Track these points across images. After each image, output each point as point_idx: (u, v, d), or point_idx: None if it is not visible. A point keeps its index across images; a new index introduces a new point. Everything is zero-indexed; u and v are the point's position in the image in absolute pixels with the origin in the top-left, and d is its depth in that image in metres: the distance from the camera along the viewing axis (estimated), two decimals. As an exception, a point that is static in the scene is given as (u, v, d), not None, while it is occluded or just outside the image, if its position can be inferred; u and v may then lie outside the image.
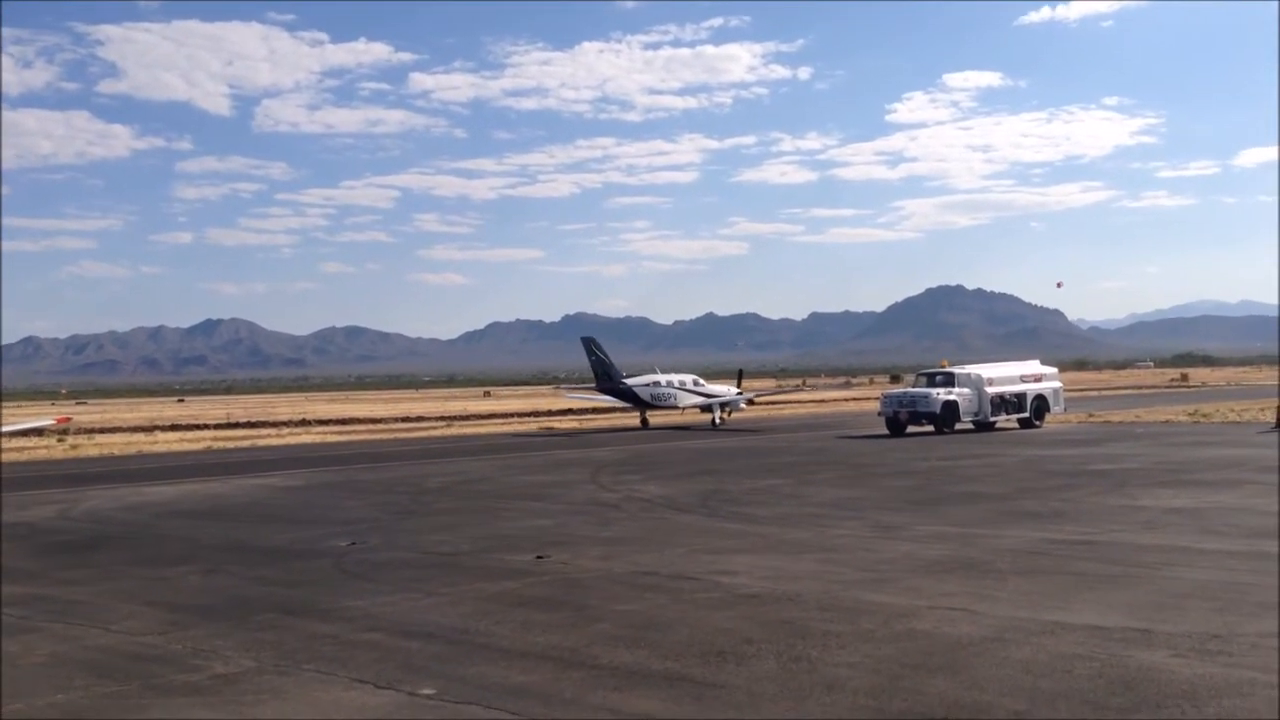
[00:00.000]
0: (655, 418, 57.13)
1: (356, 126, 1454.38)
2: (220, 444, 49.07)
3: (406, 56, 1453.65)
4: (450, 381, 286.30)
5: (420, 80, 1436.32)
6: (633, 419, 57.82)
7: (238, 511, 23.15)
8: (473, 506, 22.65)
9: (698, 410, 56.23)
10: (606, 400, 58.01)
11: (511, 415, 72.77)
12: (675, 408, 56.14)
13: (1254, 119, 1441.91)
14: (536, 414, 73.36)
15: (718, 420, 54.43)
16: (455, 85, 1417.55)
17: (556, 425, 61.46)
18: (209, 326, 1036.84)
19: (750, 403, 60.78)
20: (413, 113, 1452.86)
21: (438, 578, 14.37)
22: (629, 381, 56.33)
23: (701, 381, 58.02)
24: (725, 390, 57.58)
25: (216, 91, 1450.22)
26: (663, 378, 56.60)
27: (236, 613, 12.48)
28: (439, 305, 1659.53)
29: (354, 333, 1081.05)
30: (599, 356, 56.10)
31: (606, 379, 56.47)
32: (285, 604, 12.92)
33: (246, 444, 48.93)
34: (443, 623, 11.59)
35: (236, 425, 66.66)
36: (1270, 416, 42.29)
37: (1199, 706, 7.99)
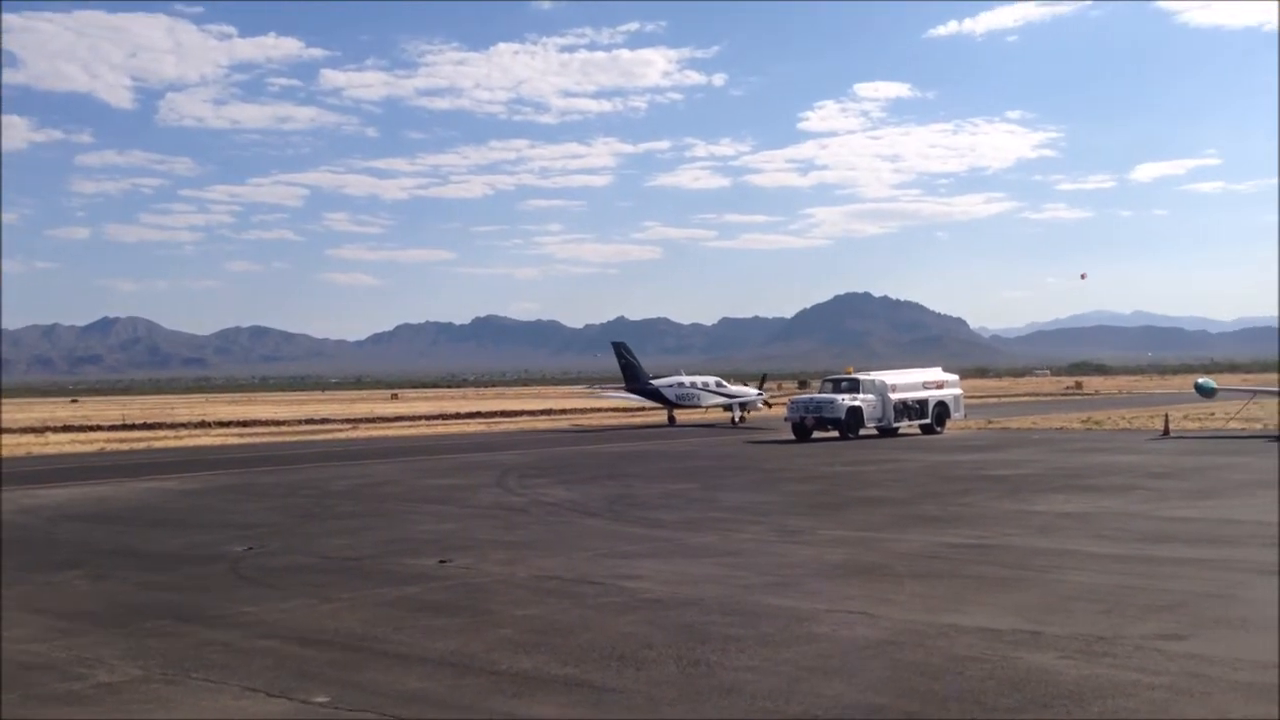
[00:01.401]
0: (681, 416, 60.67)
1: (265, 123, 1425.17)
2: (115, 446, 47.74)
3: (318, 53, 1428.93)
4: (358, 383, 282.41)
5: (332, 77, 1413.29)
6: (659, 416, 61.76)
7: (131, 515, 22.54)
8: (377, 510, 22.36)
9: (720, 409, 60.02)
10: (636, 400, 61.90)
11: (420, 418, 72.04)
12: (698, 407, 60.17)
13: (1149, 135, 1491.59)
14: (445, 416, 72.77)
15: (737, 419, 57.55)
16: (368, 83, 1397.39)
17: (585, 422, 64.09)
18: (105, 325, 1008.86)
19: (767, 404, 64.43)
20: (323, 110, 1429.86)
21: (337, 583, 14.14)
22: (656, 382, 60.51)
23: (724, 383, 61.98)
24: (745, 391, 61.43)
25: (119, 84, 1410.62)
26: (687, 379, 60.80)
27: (125, 620, 12.14)
28: (347, 306, 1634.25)
29: (258, 333, 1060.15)
30: (628, 360, 60.11)
31: (635, 380, 60.57)
32: (176, 611, 12.59)
33: (142, 446, 47.67)
34: (340, 629, 11.41)
35: (132, 427, 64.89)
36: (1158, 424, 43.70)
37: (1083, 706, 8.20)
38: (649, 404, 61.71)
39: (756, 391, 62.16)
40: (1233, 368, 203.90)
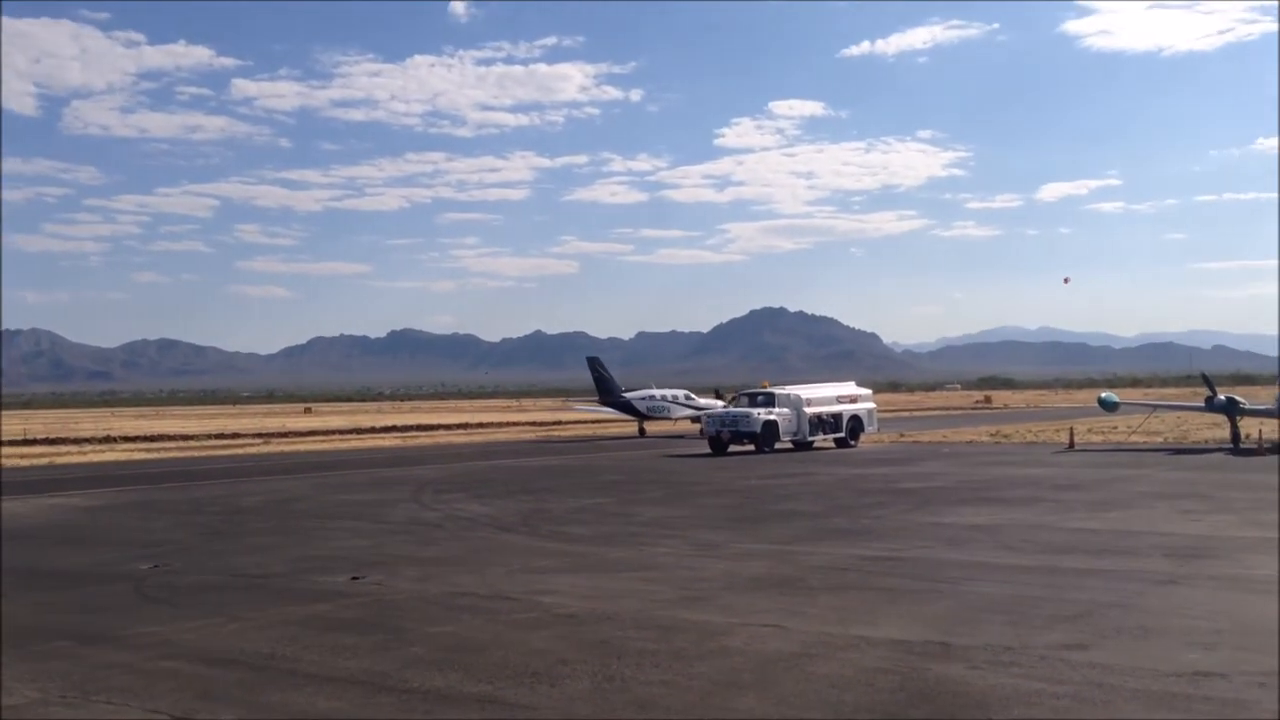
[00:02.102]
0: (651, 427, 63.17)
1: (174, 132, 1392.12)
2: (15, 462, 46.23)
3: (229, 62, 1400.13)
4: (270, 397, 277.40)
5: (243, 87, 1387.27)
6: (631, 427, 64.16)
7: (32, 533, 21.86)
8: (288, 527, 21.97)
9: (688, 421, 61.93)
10: (609, 412, 64.63)
11: (334, 432, 70.98)
12: (668, 418, 62.60)
13: (1054, 155, 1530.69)
14: (360, 431, 71.81)
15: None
16: (280, 94, 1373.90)
17: (559, 434, 66.33)
18: (7, 337, 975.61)
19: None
20: (235, 120, 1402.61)
21: (246, 601, 13.87)
22: (628, 395, 63.15)
23: (693, 396, 64.60)
24: (713, 404, 62.58)
25: (22, 90, 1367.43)
26: (657, 392, 63.53)
27: (24, 642, 11.74)
28: (259, 319, 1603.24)
29: (167, 346, 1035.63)
30: (601, 374, 63.48)
31: (609, 394, 63.63)
32: (78, 631, 12.24)
33: (44, 462, 46.26)
34: (248, 649, 11.18)
35: (34, 442, 62.90)
36: (1064, 438, 44.77)
37: (990, 716, 8.36)
38: (621, 416, 64.22)
39: (722, 404, 63.33)
40: (1134, 382, 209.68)
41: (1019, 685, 9.14)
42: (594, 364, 64.67)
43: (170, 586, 15.21)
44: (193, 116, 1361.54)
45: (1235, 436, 39.90)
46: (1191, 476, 28.77)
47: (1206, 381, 43.39)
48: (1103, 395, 49.97)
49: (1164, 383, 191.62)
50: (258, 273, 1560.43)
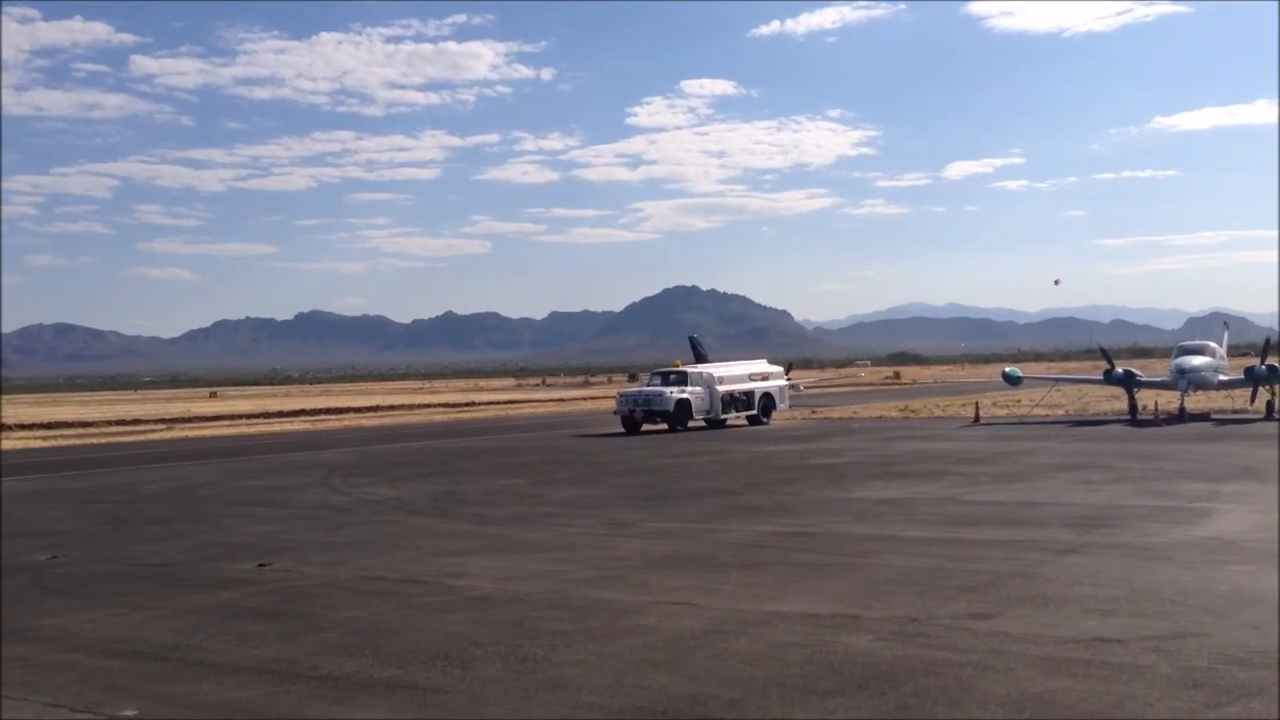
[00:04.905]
0: None
1: (70, 110, 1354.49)
2: (-97, 452, 44.52)
3: (128, 38, 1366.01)
4: (173, 382, 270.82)
5: (143, 63, 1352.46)
6: None
7: (-80, 526, 21.08)
8: (191, 514, 21.51)
9: None
10: None
11: (240, 417, 69.58)
12: None
13: (960, 134, 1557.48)
14: (267, 415, 70.51)
15: None
16: (182, 71, 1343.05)
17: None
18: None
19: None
20: (134, 98, 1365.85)
21: (148, 591, 13.55)
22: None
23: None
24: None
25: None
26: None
27: (-88, 638, 11.33)
28: (161, 302, 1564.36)
29: (63, 330, 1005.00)
30: (700, 352, 63.92)
31: None
32: (-29, 626, 11.83)
33: (-65, 451, 44.60)
34: (151, 639, 10.93)
35: (-76, 431, 60.63)
36: (970, 412, 45.71)
37: (896, 686, 8.50)
38: None
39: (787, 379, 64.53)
40: (1037, 357, 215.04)
41: (924, 655, 9.32)
42: (694, 342, 66.41)
43: (70, 577, 14.79)
44: (90, 94, 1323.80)
45: (1133, 408, 41.08)
46: (1091, 448, 29.57)
47: (1105, 355, 44.65)
48: (1007, 370, 51.08)
49: (1066, 357, 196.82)
50: (160, 254, 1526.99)
